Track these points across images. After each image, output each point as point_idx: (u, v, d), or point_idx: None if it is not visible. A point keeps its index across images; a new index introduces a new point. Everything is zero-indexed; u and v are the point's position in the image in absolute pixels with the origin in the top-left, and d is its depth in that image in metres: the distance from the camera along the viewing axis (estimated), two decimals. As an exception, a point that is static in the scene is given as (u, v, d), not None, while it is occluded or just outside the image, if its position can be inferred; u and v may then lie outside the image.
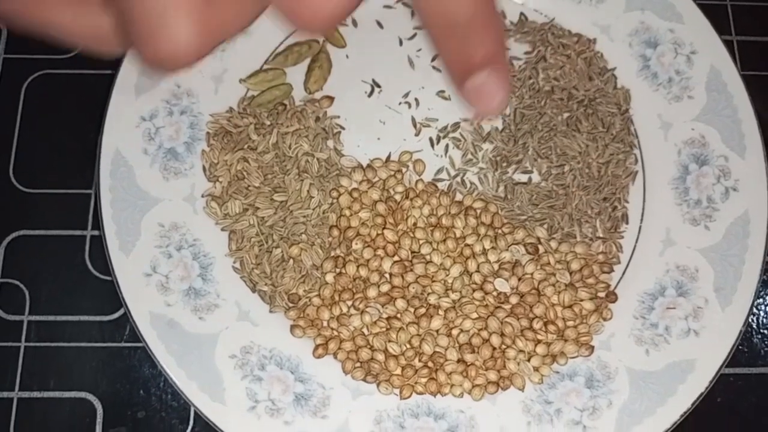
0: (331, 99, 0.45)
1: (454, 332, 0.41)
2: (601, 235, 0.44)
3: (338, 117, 0.45)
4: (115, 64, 0.45)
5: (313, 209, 0.42)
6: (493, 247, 0.42)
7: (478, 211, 0.43)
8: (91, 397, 0.42)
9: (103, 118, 0.41)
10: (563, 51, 0.48)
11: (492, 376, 0.40)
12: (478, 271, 0.42)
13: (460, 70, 0.29)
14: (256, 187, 0.42)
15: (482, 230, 0.43)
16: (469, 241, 0.42)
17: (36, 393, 0.41)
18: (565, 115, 0.46)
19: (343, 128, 0.44)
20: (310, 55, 0.46)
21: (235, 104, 0.44)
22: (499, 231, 0.43)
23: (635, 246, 0.44)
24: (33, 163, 0.45)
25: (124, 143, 0.41)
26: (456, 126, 0.46)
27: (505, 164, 0.45)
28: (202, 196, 0.42)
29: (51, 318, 0.42)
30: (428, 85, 0.46)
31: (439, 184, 0.44)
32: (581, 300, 0.42)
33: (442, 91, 0.46)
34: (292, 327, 0.41)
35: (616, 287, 0.43)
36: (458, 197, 0.44)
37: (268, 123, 0.43)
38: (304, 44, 0.46)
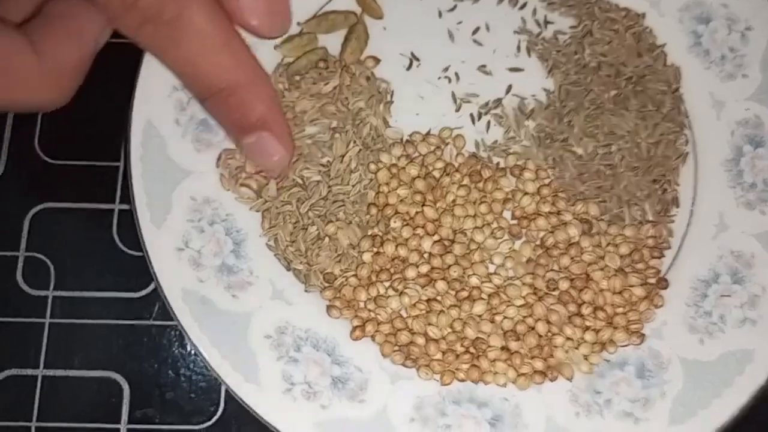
0: (376, 60, 0.43)
1: (498, 318, 0.39)
2: (650, 219, 0.42)
3: (387, 82, 0.43)
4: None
5: (353, 186, 0.41)
6: (553, 213, 0.40)
7: (526, 174, 0.41)
8: (117, 376, 0.40)
9: (133, 87, 0.40)
10: (610, 26, 0.45)
11: (538, 364, 0.38)
12: (528, 241, 0.40)
13: (235, 131, 0.29)
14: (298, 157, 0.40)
15: (530, 197, 0.41)
16: (523, 202, 0.40)
17: (61, 371, 0.40)
18: (613, 92, 0.44)
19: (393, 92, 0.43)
20: (346, 25, 0.44)
21: (271, 73, 0.42)
22: (554, 199, 0.41)
23: (687, 230, 0.42)
24: (59, 133, 0.43)
25: (156, 113, 0.39)
26: (498, 102, 0.44)
27: (548, 141, 0.43)
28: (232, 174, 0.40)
29: (77, 294, 0.41)
30: (469, 59, 0.44)
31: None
32: (631, 286, 0.40)
33: (483, 66, 0.44)
34: (329, 307, 0.39)
35: (666, 273, 0.41)
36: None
37: (311, 85, 0.41)
38: (341, 14, 0.44)
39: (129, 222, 0.42)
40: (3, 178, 0.42)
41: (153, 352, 0.40)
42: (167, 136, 0.39)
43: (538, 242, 0.41)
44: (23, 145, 0.43)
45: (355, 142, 0.41)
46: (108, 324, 0.41)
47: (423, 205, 0.40)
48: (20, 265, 0.41)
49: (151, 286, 0.41)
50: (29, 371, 0.40)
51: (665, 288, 0.40)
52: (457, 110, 0.43)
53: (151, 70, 0.40)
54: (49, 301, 0.41)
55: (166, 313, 0.40)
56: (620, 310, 0.40)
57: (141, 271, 0.41)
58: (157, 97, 0.40)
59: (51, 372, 0.40)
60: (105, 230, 0.42)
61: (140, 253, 0.41)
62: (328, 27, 0.43)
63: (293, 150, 0.32)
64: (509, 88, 0.44)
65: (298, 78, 0.42)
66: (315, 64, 0.42)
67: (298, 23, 0.43)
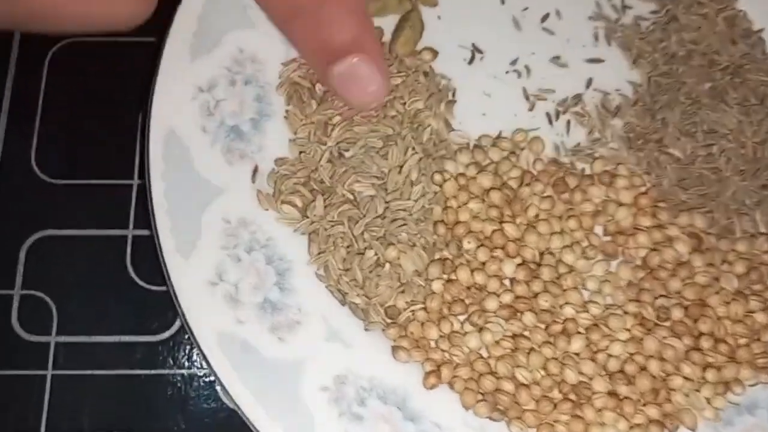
0: (434, 52, 0.37)
1: (601, 357, 0.32)
2: (763, 231, 0.36)
3: (448, 78, 0.37)
4: (158, 29, 0.37)
5: (415, 200, 0.34)
6: (655, 227, 0.34)
7: (619, 181, 0.35)
8: (135, 439, 0.33)
9: (150, 89, 0.33)
10: (698, 10, 0.39)
11: (653, 412, 0.31)
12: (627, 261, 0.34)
13: (320, 57, 0.25)
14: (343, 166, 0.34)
15: (626, 210, 0.35)
16: (619, 215, 0.34)
17: None
18: (708, 85, 0.38)
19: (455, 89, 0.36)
20: (399, 11, 0.37)
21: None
22: (654, 210, 0.35)
23: (807, 243, 0.36)
24: (59, 149, 0.37)
25: (179, 120, 0.33)
26: (577, 99, 0.37)
27: (640, 142, 0.37)
28: (274, 186, 0.33)
29: (84, 339, 0.34)
30: (539, 50, 0.38)
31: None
32: (752, 312, 0.33)
33: (557, 57, 0.38)
34: (394, 349, 0.32)
35: (789, 295, 0.35)
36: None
37: None
38: None
39: (146, 251, 0.36)
40: (-6, 202, 0.36)
41: (178, 408, 0.33)
42: (193, 146, 0.33)
43: (638, 262, 0.35)
44: (17, 162, 0.37)
45: (414, 149, 0.35)
46: (123, 375, 0.34)
47: (501, 221, 0.34)
48: (15, 305, 0.35)
49: (175, 328, 0.35)
50: (28, 436, 0.33)
51: (791, 312, 0.34)
52: (531, 109, 0.37)
53: (171, 69, 0.33)
54: (51, 348, 0.34)
55: (194, 360, 0.34)
56: (743, 341, 0.33)
57: (162, 309, 0.35)
58: (179, 100, 0.33)
59: (54, 436, 0.33)
60: (117, 261, 0.35)
61: (161, 288, 0.35)
62: (378, 9, 0.37)
63: (389, 84, 0.25)
64: (589, 82, 0.38)
65: None
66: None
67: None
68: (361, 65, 0.26)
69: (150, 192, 0.31)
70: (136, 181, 0.36)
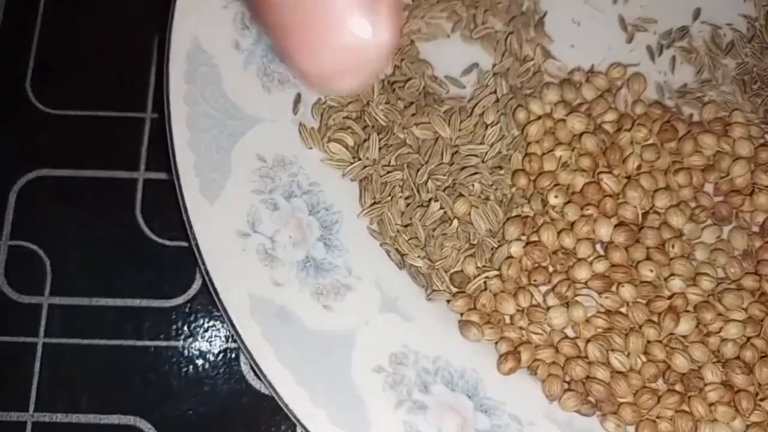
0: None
1: (713, 341, 0.27)
2: None
3: None
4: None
5: (491, 145, 0.28)
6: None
7: (736, 130, 0.29)
8: (142, 423, 0.27)
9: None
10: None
11: (776, 408, 0.26)
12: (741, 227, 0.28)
13: None
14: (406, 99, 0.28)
15: (744, 164, 0.29)
16: (735, 171, 0.28)
17: (60, 416, 0.28)
18: (837, 20, 0.32)
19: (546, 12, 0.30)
20: None
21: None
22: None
23: None
24: (59, 70, 0.31)
25: (206, 32, 0.27)
26: (683, 31, 0.32)
27: (757, 86, 0.31)
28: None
29: (83, 301, 0.29)
30: (639, -29, 0.32)
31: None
32: None
33: (660, -19, 0.32)
34: (462, 324, 0.26)
35: None
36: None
37: None
38: None
39: (160, 197, 0.30)
40: (-23, 133, 0.30)
41: (195, 389, 0.28)
42: (223, 65, 0.27)
43: (755, 229, 0.29)
44: (8, 86, 0.31)
45: (496, 81, 0.29)
46: (128, 346, 0.28)
47: (595, 172, 0.28)
48: (2, 258, 0.29)
49: (193, 291, 0.29)
50: (15, 416, 0.27)
51: None
52: (629, 41, 0.32)
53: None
54: (44, 311, 0.28)
55: (217, 330, 0.28)
56: None
57: (177, 268, 0.29)
58: (207, 8, 0.27)
59: (46, 417, 0.27)
60: (125, 209, 0.30)
61: (177, 243, 0.30)
62: None
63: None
64: (697, 13, 0.32)
65: None
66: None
67: None
68: None
69: (169, 119, 0.26)
70: (149, 114, 0.30)
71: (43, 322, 0.28)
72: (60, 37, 0.31)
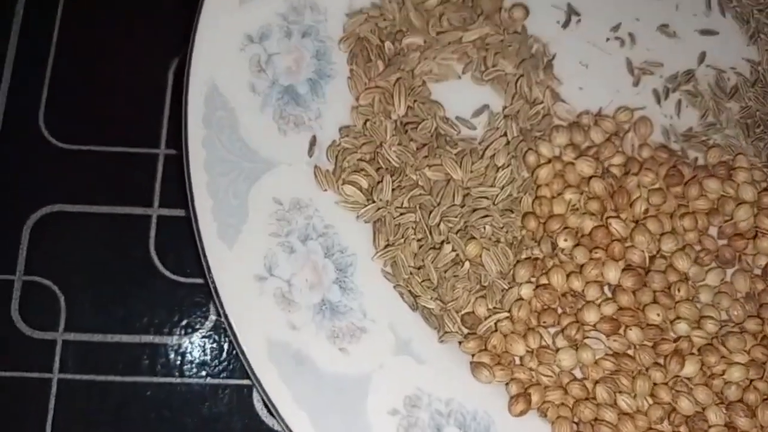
0: (526, 9, 0.31)
1: (717, 383, 0.27)
2: None
3: (544, 42, 0.31)
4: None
5: (501, 187, 0.28)
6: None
7: (740, 175, 0.30)
8: (156, 459, 0.28)
9: (191, 36, 0.27)
10: (823, -25, 0.34)
11: (781, 451, 0.26)
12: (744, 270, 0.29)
13: None
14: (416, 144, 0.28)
15: (748, 208, 0.29)
16: (739, 215, 0.29)
17: None
18: (837, 64, 0.33)
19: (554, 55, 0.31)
20: None
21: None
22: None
23: None
24: (73, 106, 0.32)
25: (223, 75, 0.27)
26: (689, 75, 0.32)
27: (760, 130, 0.32)
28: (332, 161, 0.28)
29: (97, 338, 0.29)
30: (645, 15, 0.33)
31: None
32: None
33: (666, 26, 0.33)
34: (474, 366, 0.27)
35: None
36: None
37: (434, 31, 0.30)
38: None
39: (173, 234, 0.30)
40: (-7, 168, 0.30)
41: (209, 425, 0.28)
42: (239, 109, 0.27)
43: (758, 272, 0.29)
44: (22, 121, 0.31)
45: (506, 124, 0.29)
46: (143, 382, 0.28)
47: (603, 216, 0.28)
48: (17, 294, 0.29)
49: (206, 329, 0.29)
50: (28, 453, 0.27)
51: None
52: (636, 84, 0.32)
53: (216, 13, 0.28)
54: (58, 347, 0.29)
55: (231, 367, 0.29)
56: None
57: (190, 305, 0.29)
58: (224, 51, 0.28)
59: (59, 453, 0.27)
60: (138, 245, 0.30)
61: (191, 279, 0.30)
62: None
63: None
64: (702, 57, 0.33)
65: (426, 13, 0.30)
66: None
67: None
68: None
69: (187, 163, 0.26)
70: (163, 150, 0.31)
71: (57, 358, 0.28)
72: (73, 73, 0.32)
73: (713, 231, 0.30)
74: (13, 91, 0.31)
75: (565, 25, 0.33)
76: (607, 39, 0.33)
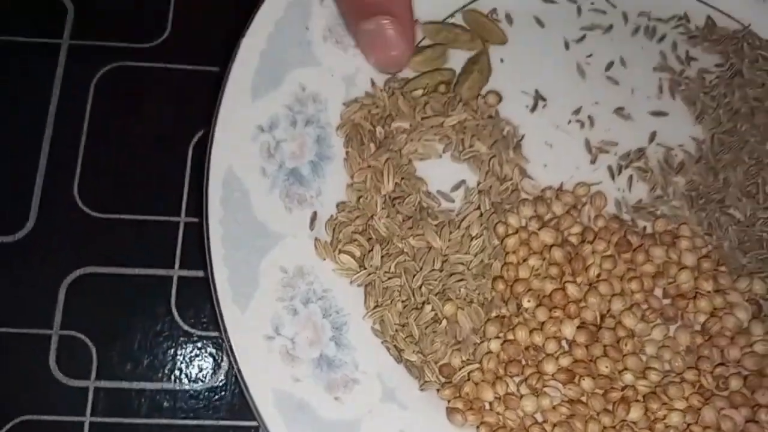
0: (499, 96, 0.36)
1: (659, 427, 0.32)
2: (824, 300, 0.35)
3: (514, 124, 0.36)
4: (215, 56, 0.35)
5: (475, 255, 0.33)
6: (716, 291, 0.33)
7: (682, 243, 0.34)
8: (175, 491, 0.32)
9: (212, 128, 0.31)
10: (763, 65, 0.38)
11: (712, 487, 0.31)
12: (685, 326, 0.33)
13: (354, 12, 0.30)
14: (402, 215, 0.33)
15: (688, 272, 0.34)
16: (681, 278, 0.33)
17: None
18: (772, 144, 0.37)
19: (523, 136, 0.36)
20: (469, 47, 0.36)
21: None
22: (716, 274, 0.34)
23: None
24: (103, 180, 0.35)
25: (239, 161, 0.31)
26: (641, 153, 0.36)
27: (702, 202, 0.36)
28: (332, 233, 0.32)
29: (125, 384, 0.33)
30: (603, 100, 0.37)
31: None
32: (813, 385, 0.33)
33: (622, 109, 0.37)
34: (449, 411, 0.31)
35: None
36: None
37: (419, 116, 0.35)
38: (467, 32, 0.36)
39: (191, 292, 0.34)
40: (33, 234, 0.34)
41: (223, 461, 0.32)
42: (252, 190, 0.31)
43: (697, 328, 0.34)
44: (59, 193, 0.35)
45: (480, 198, 0.34)
46: (164, 424, 0.32)
47: (562, 280, 0.33)
48: (54, 346, 0.33)
49: (219, 377, 0.33)
50: (62, 486, 0.31)
51: None
52: (593, 161, 0.36)
53: (232, 108, 0.32)
54: (90, 393, 0.32)
55: (241, 410, 0.33)
56: (804, 416, 0.32)
57: (206, 356, 0.33)
58: (240, 140, 0.32)
59: (91, 486, 0.31)
60: (161, 303, 0.34)
61: (206, 333, 0.34)
62: (449, 39, 0.36)
63: (413, 48, 0.31)
64: (653, 136, 0.37)
65: (413, 100, 0.35)
66: (435, 87, 0.35)
67: (422, 24, 0.36)
68: (388, 28, 0.30)
69: (207, 240, 0.30)
70: (183, 218, 0.35)
71: (89, 404, 0.32)
72: (103, 150, 0.35)
73: (659, 292, 0.34)
74: (50, 167, 0.35)
75: (533, 109, 0.37)
76: (569, 121, 0.36)
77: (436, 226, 0.33)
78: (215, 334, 0.33)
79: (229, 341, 0.29)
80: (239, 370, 0.29)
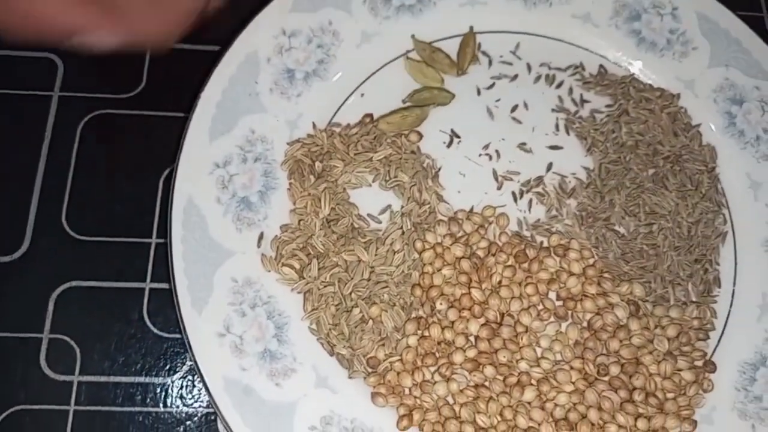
0: (420, 135, 0.43)
1: (549, 406, 0.38)
2: (694, 299, 0.42)
3: (433, 158, 0.42)
4: (182, 105, 0.42)
5: (397, 266, 0.39)
6: (600, 294, 0.40)
7: (571, 254, 0.41)
8: (145, 468, 0.37)
9: (175, 165, 0.38)
10: (646, 105, 0.46)
11: (592, 455, 0.37)
12: (575, 323, 0.40)
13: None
14: (338, 233, 0.39)
15: (576, 279, 0.40)
16: (570, 283, 0.40)
17: None
18: (651, 171, 0.44)
19: (440, 168, 0.42)
20: (441, 101, 0.44)
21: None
22: (599, 280, 0.40)
23: (729, 311, 0.42)
24: (87, 208, 0.42)
25: (197, 191, 0.38)
26: (539, 180, 0.43)
27: (591, 220, 0.43)
28: (277, 250, 0.39)
29: (103, 379, 0.39)
30: (508, 136, 0.44)
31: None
32: (680, 370, 0.39)
33: (524, 144, 0.44)
34: (373, 395, 0.37)
35: (712, 355, 0.40)
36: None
37: (352, 152, 0.41)
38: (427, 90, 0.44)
39: (160, 302, 0.40)
40: (28, 255, 0.40)
41: (185, 442, 0.38)
42: (208, 215, 0.38)
43: (584, 324, 0.40)
44: (50, 220, 0.41)
45: (402, 220, 0.40)
46: (138, 411, 0.38)
47: (469, 286, 0.39)
48: (44, 347, 0.39)
49: (183, 371, 0.39)
50: (50, 466, 0.37)
51: (713, 371, 0.40)
52: (499, 188, 0.43)
53: (194, 146, 0.39)
54: (74, 386, 0.38)
55: (201, 399, 0.39)
56: (671, 395, 0.39)
57: (172, 354, 0.39)
58: (198, 173, 0.38)
59: (74, 466, 0.37)
60: (135, 311, 0.40)
61: (173, 335, 0.40)
62: (422, 100, 0.44)
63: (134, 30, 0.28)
64: (550, 166, 0.44)
65: (347, 138, 0.42)
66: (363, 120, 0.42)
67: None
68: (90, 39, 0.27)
69: (171, 255, 0.36)
70: (154, 240, 0.41)
71: (73, 395, 0.38)
72: (88, 183, 0.41)
73: (552, 295, 0.40)
74: (43, 197, 0.41)
75: (449, 145, 0.43)
76: (480, 154, 0.43)
77: (365, 243, 0.40)
78: (179, 336, 0.39)
79: (187, 338, 0.35)
80: (196, 362, 0.35)
